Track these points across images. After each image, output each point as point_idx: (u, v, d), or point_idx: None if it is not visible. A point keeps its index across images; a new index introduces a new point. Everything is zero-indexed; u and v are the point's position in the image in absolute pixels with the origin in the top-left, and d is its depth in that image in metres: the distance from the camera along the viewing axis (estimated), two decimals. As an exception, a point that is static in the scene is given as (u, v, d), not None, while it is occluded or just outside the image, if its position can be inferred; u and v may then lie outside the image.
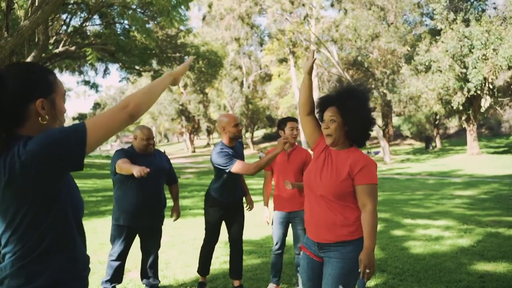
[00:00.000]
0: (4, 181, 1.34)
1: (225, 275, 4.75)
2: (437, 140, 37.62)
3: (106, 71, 36.56)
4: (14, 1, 11.72)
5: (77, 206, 1.53)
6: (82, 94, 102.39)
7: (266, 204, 4.48)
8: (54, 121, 1.49)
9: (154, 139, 4.07)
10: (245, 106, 46.76)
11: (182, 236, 6.69)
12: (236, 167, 3.79)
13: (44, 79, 1.47)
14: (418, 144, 40.69)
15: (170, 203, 4.51)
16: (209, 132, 56.68)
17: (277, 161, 4.20)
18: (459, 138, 40.97)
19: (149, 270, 4.15)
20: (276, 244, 4.26)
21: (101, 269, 4.84)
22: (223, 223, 4.33)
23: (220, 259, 5.36)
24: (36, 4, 11.98)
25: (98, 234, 6.88)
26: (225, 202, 4.19)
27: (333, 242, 2.47)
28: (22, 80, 1.42)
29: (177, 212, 4.39)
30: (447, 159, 28.19)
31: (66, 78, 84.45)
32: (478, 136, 29.02)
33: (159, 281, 4.25)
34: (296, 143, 4.28)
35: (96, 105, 61.20)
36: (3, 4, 11.09)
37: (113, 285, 3.97)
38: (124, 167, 3.58)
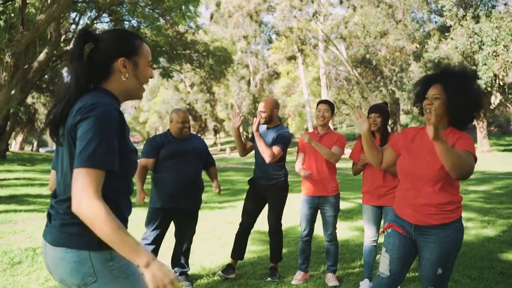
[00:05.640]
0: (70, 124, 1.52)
1: (252, 263, 4.73)
2: (446, 138, 37.38)
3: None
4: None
5: None
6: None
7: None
8: (134, 80, 1.68)
9: (190, 123, 4.08)
10: (252, 105, 46.71)
11: (202, 227, 6.64)
12: None
13: (129, 41, 1.67)
14: (426, 142, 40.41)
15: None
16: (216, 131, 56.65)
17: (306, 145, 4.16)
18: (467, 136, 40.68)
19: (182, 257, 4.13)
20: (304, 230, 4.20)
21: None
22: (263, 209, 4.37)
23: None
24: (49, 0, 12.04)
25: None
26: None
27: (433, 225, 2.42)
28: (110, 41, 1.64)
29: (217, 187, 4.25)
30: (456, 156, 28.01)
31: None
32: (487, 133, 28.81)
33: (189, 269, 4.22)
34: (331, 128, 4.26)
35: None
36: (18, -1, 11.11)
37: (145, 269, 3.92)
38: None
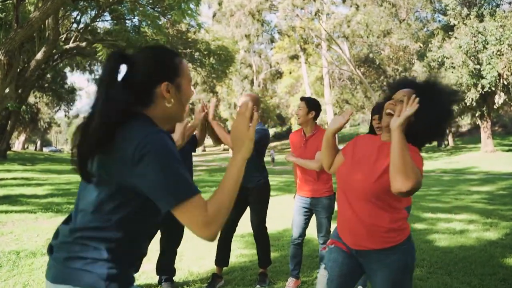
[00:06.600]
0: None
1: (242, 267, 4.53)
2: (450, 138, 37.12)
3: (116, 70, 36.63)
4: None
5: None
6: (93, 94, 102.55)
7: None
8: (178, 105, 1.48)
9: None
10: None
11: (195, 229, 6.47)
12: None
13: (170, 62, 1.46)
14: (430, 142, 40.17)
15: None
16: (219, 131, 56.49)
17: (296, 146, 4.00)
18: (471, 136, 40.44)
19: (167, 263, 3.94)
20: (295, 232, 4.02)
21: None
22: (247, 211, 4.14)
23: (236, 252, 5.13)
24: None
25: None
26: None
27: (374, 249, 2.13)
28: (149, 64, 1.43)
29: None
30: (460, 156, 27.77)
31: (77, 78, 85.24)
32: (492, 133, 28.51)
33: (175, 274, 4.03)
34: (321, 127, 4.05)
35: (106, 104, 60.95)
36: (13, -4, 10.98)
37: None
38: None
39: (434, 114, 2.09)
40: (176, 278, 4.09)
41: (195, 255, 5.03)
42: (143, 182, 1.28)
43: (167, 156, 1.29)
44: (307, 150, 3.89)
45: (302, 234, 4.02)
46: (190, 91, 1.53)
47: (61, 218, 7.30)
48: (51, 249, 1.42)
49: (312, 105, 3.91)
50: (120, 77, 1.41)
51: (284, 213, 6.65)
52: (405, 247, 2.12)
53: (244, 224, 4.18)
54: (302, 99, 4.00)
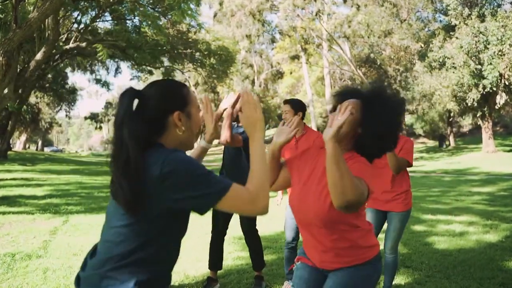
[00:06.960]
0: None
1: (239, 270, 4.49)
2: (451, 139, 37.02)
3: (117, 70, 36.63)
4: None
5: None
6: (94, 94, 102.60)
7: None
8: (189, 132, 1.58)
9: None
10: (256, 104, 46.45)
11: (193, 231, 6.43)
12: None
13: (178, 93, 1.57)
14: (431, 143, 40.13)
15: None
16: (220, 131, 56.47)
17: (287, 147, 3.96)
18: (473, 137, 40.33)
19: None
20: (289, 236, 3.99)
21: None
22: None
23: (233, 255, 5.10)
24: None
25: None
26: None
27: (340, 268, 2.04)
28: (161, 97, 1.53)
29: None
30: (461, 157, 27.67)
31: (78, 78, 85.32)
32: (493, 134, 28.41)
33: (170, 276, 3.99)
34: (308, 127, 4.04)
35: (108, 104, 61.04)
36: (12, -4, 10.95)
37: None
38: None
39: (380, 125, 1.99)
40: (172, 281, 4.05)
41: (192, 258, 4.99)
42: (177, 196, 1.37)
43: (190, 166, 1.39)
44: (299, 150, 3.86)
45: (296, 237, 3.99)
46: (199, 118, 1.63)
47: (59, 219, 7.27)
48: (78, 282, 1.46)
49: (298, 106, 3.88)
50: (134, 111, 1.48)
51: (282, 214, 6.62)
52: (375, 264, 2.05)
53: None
54: (286, 102, 3.96)
